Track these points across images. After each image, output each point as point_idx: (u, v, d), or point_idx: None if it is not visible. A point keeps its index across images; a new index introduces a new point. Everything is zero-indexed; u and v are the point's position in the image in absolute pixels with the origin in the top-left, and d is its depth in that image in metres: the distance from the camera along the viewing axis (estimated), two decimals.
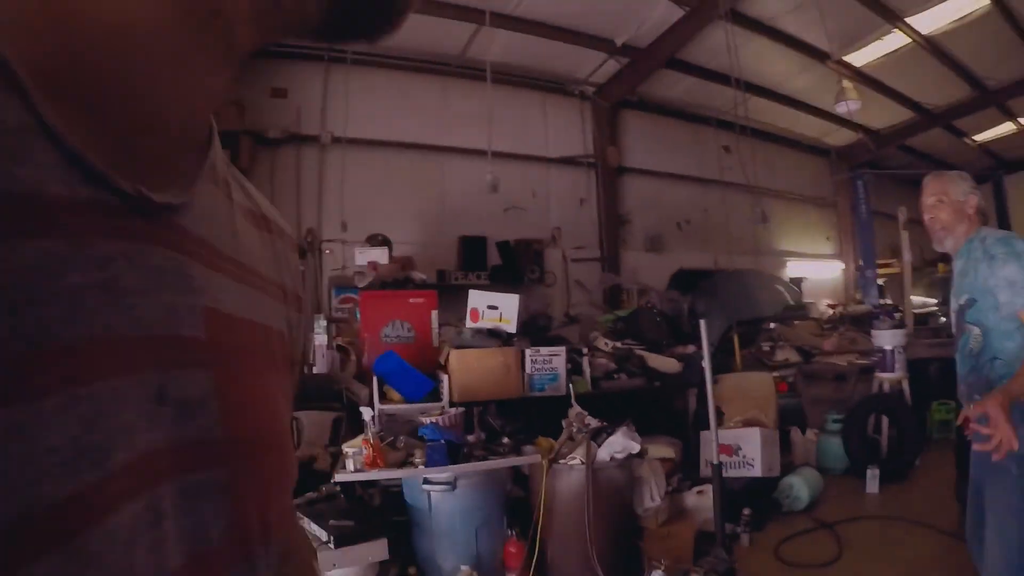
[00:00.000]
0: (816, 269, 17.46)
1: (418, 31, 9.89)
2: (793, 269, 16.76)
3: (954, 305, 3.77)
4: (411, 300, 7.15)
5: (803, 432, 8.80)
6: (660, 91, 13.67)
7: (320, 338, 7.13)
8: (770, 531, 6.41)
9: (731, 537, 5.98)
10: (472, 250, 11.48)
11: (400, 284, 7.42)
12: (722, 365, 9.93)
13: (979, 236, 3.61)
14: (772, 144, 16.40)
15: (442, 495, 4.85)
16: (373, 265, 7.71)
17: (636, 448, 5.22)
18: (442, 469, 4.73)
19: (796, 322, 11.93)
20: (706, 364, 5.24)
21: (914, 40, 12.23)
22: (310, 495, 4.88)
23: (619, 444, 5.15)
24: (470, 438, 5.21)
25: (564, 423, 5.62)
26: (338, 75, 10.85)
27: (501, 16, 10.37)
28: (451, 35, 10.62)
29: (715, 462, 5.15)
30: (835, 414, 8.51)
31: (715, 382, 7.96)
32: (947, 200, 3.68)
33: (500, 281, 11.18)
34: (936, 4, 11.11)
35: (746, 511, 6.16)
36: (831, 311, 14.02)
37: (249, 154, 10.21)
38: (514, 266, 11.67)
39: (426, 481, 4.83)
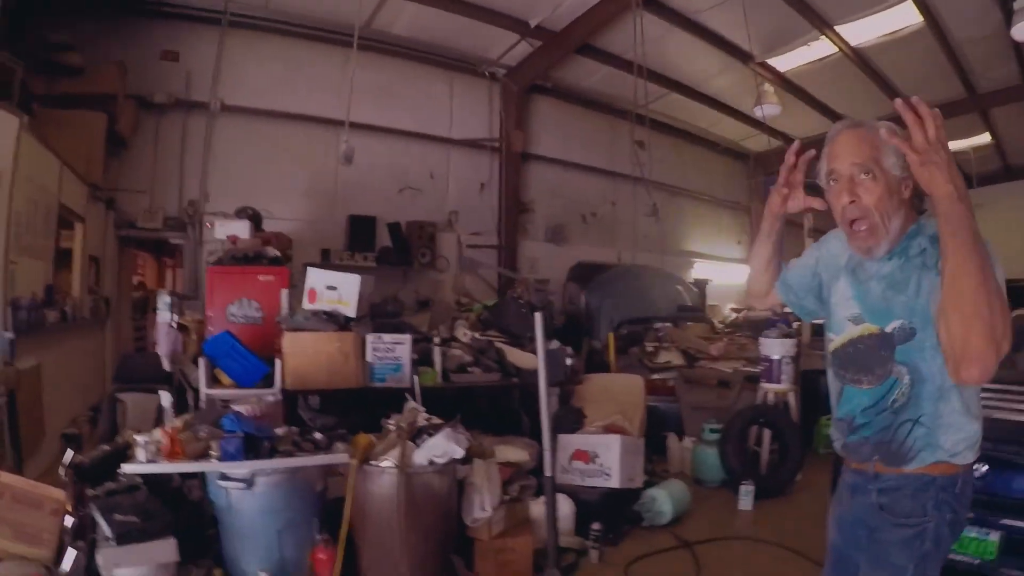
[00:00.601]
0: (725, 272, 17.35)
1: None
2: (700, 270, 16.67)
3: (853, 328, 2.51)
4: (261, 278, 6.75)
5: (680, 439, 8.52)
6: (575, 79, 13.42)
7: (163, 315, 6.69)
8: (625, 547, 6.00)
9: (580, 553, 5.65)
10: (361, 230, 11.13)
11: (253, 260, 6.93)
12: (601, 364, 9.71)
13: (921, 232, 2.39)
14: (689, 143, 16.29)
15: (241, 493, 4.38)
16: (233, 239, 7.24)
17: (459, 452, 4.74)
18: (238, 464, 4.29)
19: (689, 324, 11.72)
20: (540, 361, 4.75)
21: (842, 50, 12.17)
22: (109, 485, 4.41)
23: (439, 447, 4.69)
24: (279, 431, 4.74)
25: (383, 421, 5.19)
26: (235, 40, 10.39)
27: None
28: (354, 4, 10.01)
29: (548, 473, 4.71)
30: (714, 423, 8.09)
31: (580, 382, 7.70)
32: (879, 173, 2.31)
33: (388, 263, 11.00)
34: (867, 15, 11.04)
35: (596, 525, 5.72)
36: (735, 315, 13.94)
37: (132, 119, 9.69)
38: (404, 249, 11.31)
39: (223, 477, 4.37)
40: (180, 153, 10.16)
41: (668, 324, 11.20)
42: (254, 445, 4.39)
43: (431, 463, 4.68)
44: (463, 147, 12.74)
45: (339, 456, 4.60)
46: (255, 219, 8.14)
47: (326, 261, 10.37)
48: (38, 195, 6.98)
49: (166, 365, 6.28)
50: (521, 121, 13.14)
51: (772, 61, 12.82)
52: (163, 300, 6.81)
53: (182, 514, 4.58)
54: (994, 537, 4.33)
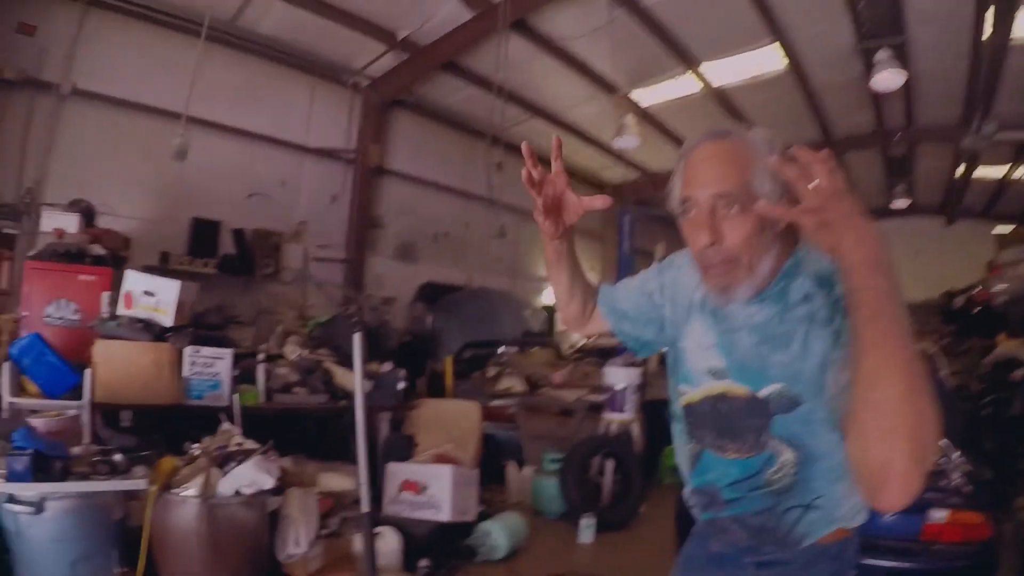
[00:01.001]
0: None
1: None
2: (550, 296, 16.79)
3: (714, 383, 2.02)
4: (81, 277, 6.41)
5: (520, 469, 8.40)
6: (438, 96, 13.32)
7: None
8: None
9: None
10: (204, 234, 10.67)
11: (76, 258, 6.56)
12: (437, 389, 9.61)
13: (800, 269, 1.88)
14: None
15: (30, 519, 4.04)
16: (59, 232, 6.85)
17: (269, 483, 4.51)
18: (25, 486, 3.97)
19: (535, 349, 11.73)
20: (356, 384, 4.41)
21: (705, 90, 12.42)
22: None
23: (247, 476, 4.44)
24: (77, 450, 4.44)
25: (186, 445, 4.93)
26: (96, 21, 9.81)
27: None
28: None
29: (364, 509, 4.33)
30: (554, 453, 7.92)
31: (413, 407, 7.56)
32: (748, 204, 1.76)
33: (230, 271, 10.60)
34: (733, 55, 11.27)
35: (424, 561, 5.53)
36: (584, 341, 14.07)
37: None
38: (248, 257, 10.94)
39: (10, 499, 4.04)
40: (23, 135, 9.44)
41: (513, 349, 11.14)
42: (44, 465, 4.05)
43: (238, 493, 4.43)
44: (318, 156, 12.42)
45: (137, 482, 4.31)
46: (87, 213, 7.72)
47: (164, 264, 9.88)
48: None
49: None
50: (379, 134, 12.97)
51: (636, 94, 12.96)
52: None
53: None
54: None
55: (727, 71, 11.88)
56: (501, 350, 10.90)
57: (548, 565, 6.27)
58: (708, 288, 1.92)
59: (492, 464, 8.50)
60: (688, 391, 2.09)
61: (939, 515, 4.47)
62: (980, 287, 13.62)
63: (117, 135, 9.98)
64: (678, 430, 2.18)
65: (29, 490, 4.02)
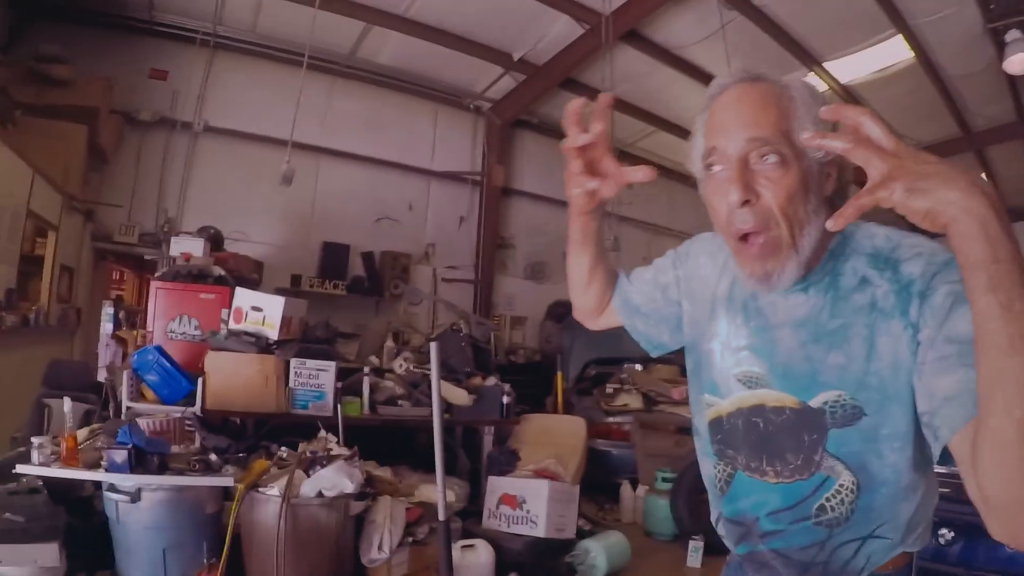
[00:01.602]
0: None
1: (307, 25, 9.37)
2: None
3: (745, 393, 1.66)
4: (202, 296, 6.81)
5: (634, 488, 8.20)
6: (560, 114, 13.23)
7: (106, 327, 6.78)
8: None
9: None
10: (334, 258, 11.16)
11: (198, 278, 7.00)
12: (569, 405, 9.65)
13: (852, 247, 1.55)
14: (679, 183, 16.33)
15: (128, 507, 4.37)
16: (186, 256, 7.32)
17: (349, 487, 4.67)
18: (124, 477, 4.28)
19: (657, 366, 11.64)
20: (434, 393, 4.48)
21: (832, 88, 11.97)
22: (12, 485, 4.47)
23: (328, 480, 4.63)
24: (176, 449, 4.75)
25: (274, 447, 5.20)
26: (223, 62, 10.59)
27: (393, 16, 10.10)
28: (341, 32, 10.32)
29: (441, 518, 4.42)
30: (667, 471, 7.56)
31: (518, 421, 7.60)
32: (790, 156, 1.43)
33: (359, 293, 11.01)
34: (856, 51, 10.92)
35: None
36: None
37: (115, 134, 9.82)
38: (377, 279, 11.36)
39: (111, 488, 4.38)
40: (161, 171, 10.26)
41: (636, 365, 11.03)
42: (142, 459, 4.35)
43: (320, 495, 4.61)
44: (444, 179, 12.75)
45: (225, 479, 4.54)
46: (215, 239, 8.24)
47: (296, 287, 10.45)
48: (4, 200, 7.14)
49: (100, 375, 6.32)
50: (504, 155, 13.17)
51: None
52: (106, 311, 6.91)
53: (88, 524, 4.65)
54: None
55: (852, 67, 11.49)
56: (625, 366, 10.81)
57: None
58: (744, 276, 1.55)
59: (607, 482, 8.48)
60: (715, 402, 1.74)
61: None
62: None
63: (249, 167, 10.57)
64: (702, 448, 1.83)
65: (127, 481, 4.32)
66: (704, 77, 11.47)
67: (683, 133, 13.39)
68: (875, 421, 1.46)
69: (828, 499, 1.55)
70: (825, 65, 11.37)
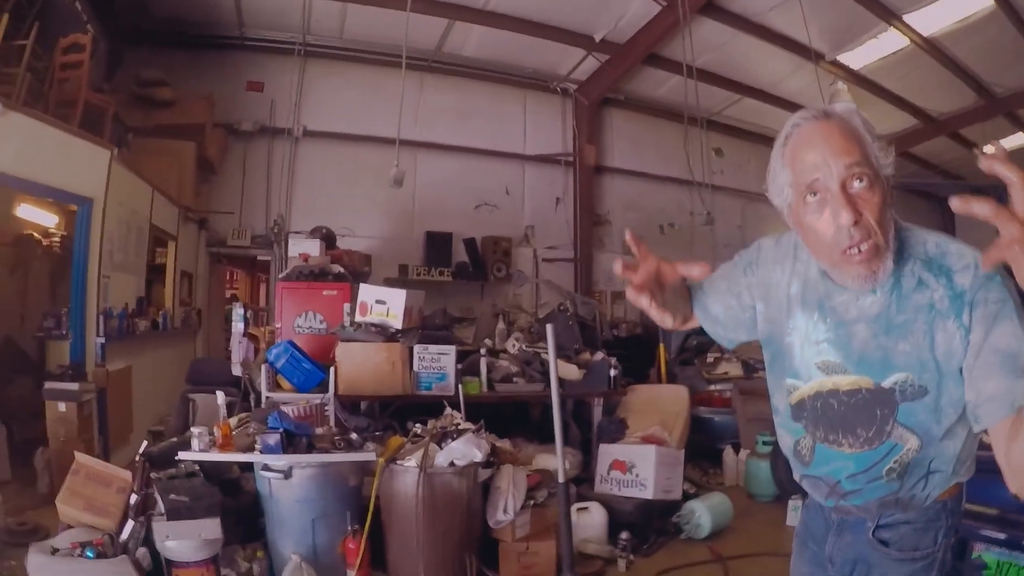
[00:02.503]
0: None
1: (392, 25, 9.82)
2: None
3: (824, 378, 1.97)
4: (325, 292, 7.28)
5: (736, 452, 8.41)
6: (645, 89, 13.52)
7: (236, 326, 7.24)
8: (658, 559, 5.95)
9: (608, 561, 5.74)
10: (437, 246, 11.58)
11: (319, 277, 7.47)
12: (671, 376, 9.83)
13: (910, 251, 1.83)
14: (769, 148, 16.22)
15: (280, 483, 4.81)
16: (304, 256, 7.78)
17: (478, 456, 5.03)
18: (276, 457, 4.74)
19: None
20: (552, 371, 4.86)
21: (914, 42, 11.69)
22: (171, 471, 4.95)
23: (459, 451, 5.00)
24: (319, 431, 5.19)
25: (409, 425, 5.58)
26: (314, 69, 11.10)
27: (473, 11, 10.41)
28: (425, 29, 10.57)
29: (560, 480, 4.79)
30: (768, 435, 7.64)
31: (626, 392, 7.88)
32: (874, 178, 1.72)
33: (464, 278, 11.37)
34: (933, 2, 10.60)
35: (624, 535, 5.79)
36: None
37: (221, 146, 10.46)
38: (479, 263, 11.73)
39: (265, 468, 4.83)
40: (266, 176, 10.86)
41: None
42: (292, 441, 4.82)
43: (452, 465, 4.98)
44: (537, 162, 13.02)
45: (367, 455, 4.98)
46: (328, 238, 8.67)
47: (403, 276, 10.91)
48: (130, 217, 7.75)
49: (236, 370, 6.79)
50: (594, 134, 13.33)
51: (843, 58, 12.46)
52: (237, 312, 7.35)
53: (238, 502, 5.15)
54: None
55: (932, 19, 11.14)
56: None
57: (750, 545, 6.28)
58: (852, 281, 1.80)
59: (710, 448, 8.72)
60: (797, 386, 2.04)
61: None
62: None
63: (349, 165, 11.14)
64: (785, 424, 2.14)
65: (280, 460, 4.79)
66: (784, 41, 11.52)
67: (768, 98, 13.43)
68: (936, 395, 1.79)
69: (896, 460, 1.89)
70: (905, 18, 11.10)
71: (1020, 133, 16.77)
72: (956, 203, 1.31)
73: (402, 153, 10.04)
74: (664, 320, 1.92)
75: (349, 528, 4.85)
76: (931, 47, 11.93)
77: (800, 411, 2.04)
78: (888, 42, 11.83)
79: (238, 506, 5.12)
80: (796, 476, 2.17)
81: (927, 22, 11.19)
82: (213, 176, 10.62)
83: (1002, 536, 4.12)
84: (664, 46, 11.62)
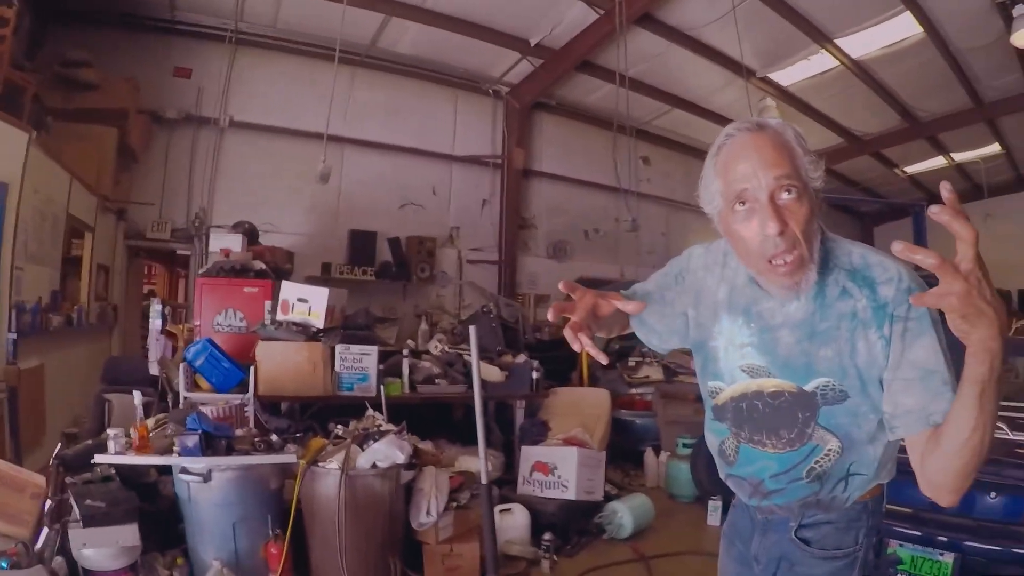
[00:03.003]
0: None
1: (328, 17, 9.77)
2: None
3: (749, 381, 2.04)
4: (246, 289, 7.14)
5: (657, 454, 8.62)
6: (577, 96, 13.63)
7: (154, 323, 7.08)
8: (581, 559, 6.10)
9: (531, 562, 5.84)
10: (361, 244, 11.47)
11: (240, 273, 7.34)
12: (593, 379, 9.94)
13: (834, 261, 1.90)
14: (696, 159, 16.45)
15: (200, 487, 4.71)
16: (225, 252, 7.63)
17: (400, 458, 5.01)
18: (195, 459, 4.64)
19: None
20: (474, 373, 4.87)
21: (843, 64, 12.14)
22: (87, 475, 4.82)
23: (381, 452, 4.97)
24: (239, 432, 5.09)
25: (331, 426, 5.53)
26: (245, 58, 10.83)
27: (411, 7, 10.31)
28: (361, 23, 10.46)
29: (483, 481, 4.86)
30: (687, 438, 8.05)
31: (548, 395, 7.95)
32: (802, 189, 1.78)
33: (388, 278, 11.29)
34: (866, 28, 11.02)
35: (547, 536, 5.89)
36: None
37: (143, 134, 10.08)
38: (404, 263, 11.64)
39: (183, 471, 4.72)
40: (189, 167, 10.55)
41: None
42: (211, 443, 4.71)
43: (374, 467, 4.95)
44: (465, 163, 13.00)
45: (288, 456, 4.90)
46: (250, 233, 8.51)
47: (326, 274, 10.79)
48: (45, 206, 7.43)
49: (153, 369, 6.64)
50: (524, 138, 13.40)
51: (773, 76, 12.80)
52: (154, 308, 7.16)
53: (156, 506, 5.00)
54: (948, 559, 4.25)
55: (862, 43, 11.57)
56: None
57: (671, 544, 6.50)
58: (776, 286, 1.87)
59: (631, 450, 8.88)
60: (721, 388, 2.11)
61: None
62: None
63: (275, 159, 10.88)
64: (710, 425, 2.21)
65: (198, 463, 4.68)
66: (717, 56, 11.75)
67: (698, 111, 13.70)
68: (856, 401, 1.87)
69: (817, 462, 1.97)
70: (836, 41, 11.48)
71: (940, 157, 17.48)
72: (898, 247, 1.38)
73: (330, 149, 9.94)
74: (599, 357, 1.85)
75: (271, 532, 4.80)
76: (860, 70, 12.38)
77: (723, 412, 2.11)
78: (818, 63, 12.18)
79: (157, 511, 4.99)
80: (721, 475, 2.23)
81: (857, 46, 11.59)
82: (134, 164, 10.22)
83: (916, 533, 4.38)
84: (599, 54, 11.71)
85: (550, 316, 1.89)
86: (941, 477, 1.68)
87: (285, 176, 10.85)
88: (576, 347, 1.80)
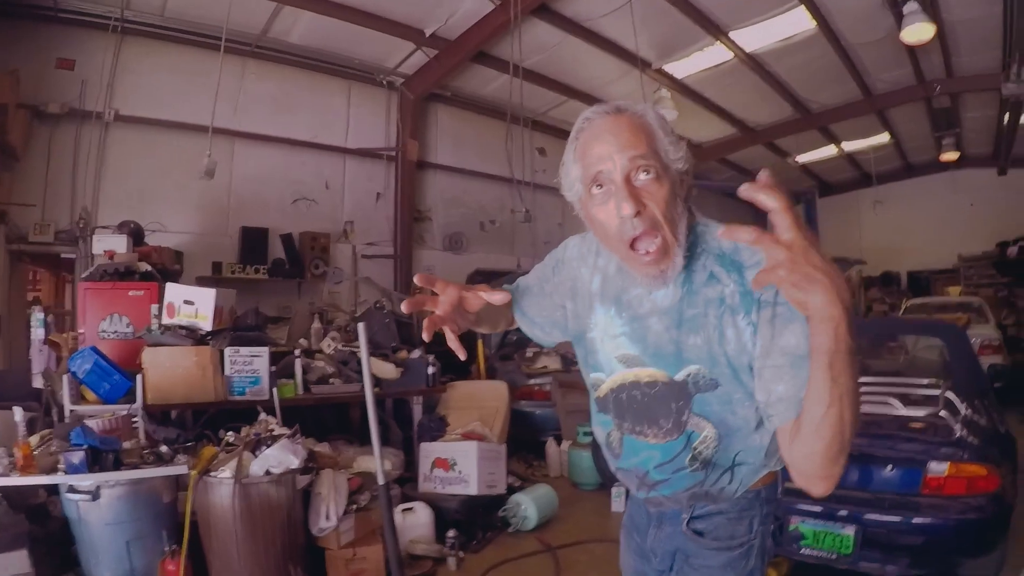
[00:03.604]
0: None
1: (217, 6, 9.43)
2: None
3: (626, 371, 2.02)
4: (131, 293, 6.93)
5: (559, 444, 8.71)
6: (473, 87, 13.62)
7: (36, 332, 6.84)
8: (488, 554, 6.15)
9: (437, 560, 5.83)
10: (253, 242, 11.23)
11: (125, 276, 7.11)
12: (491, 371, 9.96)
13: (703, 246, 1.89)
14: None
15: (89, 505, 4.56)
16: (110, 253, 7.39)
17: (295, 463, 4.94)
18: (82, 476, 4.47)
19: None
20: (365, 370, 4.85)
21: (737, 56, 12.46)
22: None
23: (275, 458, 4.89)
24: (127, 444, 4.92)
25: (221, 433, 5.42)
26: (131, 48, 10.37)
27: None
28: (252, 11, 10.22)
29: (381, 482, 4.76)
30: (587, 426, 7.83)
31: (445, 389, 7.94)
32: (661, 170, 1.77)
33: (281, 276, 11.10)
34: (760, 21, 11.32)
35: (452, 532, 5.93)
36: None
37: (24, 130, 9.60)
38: (297, 260, 11.48)
39: (71, 489, 4.56)
40: (73, 165, 10.06)
41: None
42: (98, 458, 4.55)
43: (268, 473, 4.85)
44: (359, 156, 12.84)
45: (179, 468, 4.78)
46: (136, 234, 8.22)
47: (217, 274, 10.52)
48: None
49: (37, 382, 6.42)
50: (418, 130, 13.33)
51: (668, 67, 13.03)
52: (36, 317, 6.94)
53: (46, 529, 4.85)
54: (850, 531, 4.46)
55: (757, 37, 11.91)
56: None
57: (578, 533, 6.59)
58: (643, 279, 1.86)
59: (533, 440, 8.96)
60: (602, 379, 2.10)
61: (939, 468, 4.44)
62: None
63: (163, 155, 10.48)
64: (595, 418, 2.21)
65: (86, 480, 4.52)
66: (613, 47, 11.89)
67: (593, 101, 13.50)
68: (728, 388, 1.85)
69: (696, 449, 1.95)
70: (731, 35, 11.78)
71: (831, 146, 18.18)
72: (720, 230, 1.46)
73: (219, 143, 9.79)
74: (459, 352, 1.91)
75: (166, 548, 4.67)
76: (754, 62, 12.78)
77: (606, 404, 2.10)
78: (713, 55, 12.49)
79: (47, 534, 4.85)
80: (611, 469, 2.22)
81: (751, 39, 11.95)
82: (15, 163, 9.69)
83: (817, 509, 4.57)
84: (494, 45, 11.73)
85: (404, 309, 1.88)
86: (807, 464, 1.62)
87: (173, 173, 10.48)
88: (426, 338, 1.81)
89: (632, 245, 1.77)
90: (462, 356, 1.91)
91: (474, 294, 1.90)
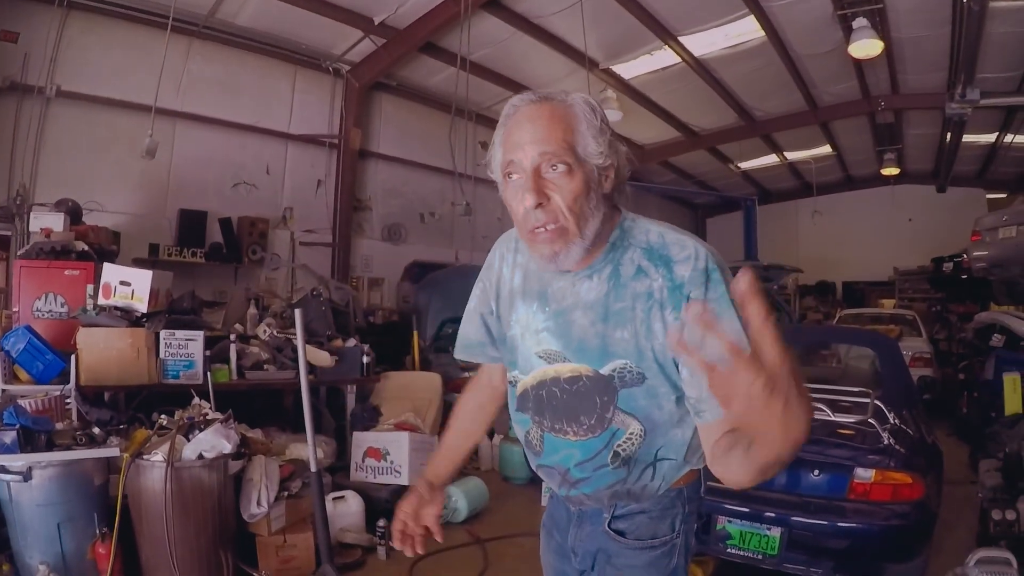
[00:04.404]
0: None
1: None
2: None
3: (547, 367, 2.00)
4: (66, 273, 6.86)
5: (491, 438, 8.77)
6: (419, 78, 13.65)
7: None
8: None
9: (367, 550, 5.89)
10: (191, 225, 11.17)
11: (61, 255, 7.05)
12: (426, 362, 10.05)
13: (630, 239, 1.90)
14: None
15: (20, 486, 4.53)
16: (46, 231, 7.32)
17: (227, 447, 4.97)
18: (14, 457, 4.45)
19: None
20: (300, 357, 4.99)
21: (685, 61, 12.66)
22: None
23: (207, 442, 4.91)
24: (60, 425, 4.96)
25: (155, 416, 5.42)
26: (77, 23, 10.16)
27: None
28: None
29: (313, 469, 4.92)
30: None
31: (379, 379, 7.99)
32: (575, 165, 1.76)
33: (218, 260, 11.06)
34: (709, 28, 11.54)
35: (382, 522, 5.95)
36: None
37: None
38: (235, 245, 11.45)
39: (2, 470, 4.51)
40: (11, 140, 9.88)
41: None
42: (31, 439, 4.54)
43: (200, 457, 4.87)
44: (301, 143, 12.83)
45: (111, 450, 4.79)
46: (73, 212, 8.12)
47: (154, 256, 10.43)
48: None
49: None
50: (362, 118, 13.35)
51: (616, 68, 13.21)
52: None
53: None
54: (776, 533, 4.55)
55: (706, 42, 12.12)
56: None
57: (507, 526, 6.69)
58: (537, 259, 1.88)
59: None
60: (520, 377, 2.09)
61: (866, 474, 4.54)
62: (965, 254, 13.65)
63: (103, 133, 10.36)
64: (516, 417, 2.18)
65: (17, 460, 4.49)
66: (561, 45, 12.03)
67: None
68: (654, 383, 1.84)
69: (619, 446, 1.93)
70: (680, 39, 11.96)
71: (773, 155, 18.49)
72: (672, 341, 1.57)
73: (161, 123, 9.72)
74: (438, 536, 2.33)
75: (97, 531, 4.69)
76: (701, 68, 13.02)
77: (525, 401, 2.09)
78: (661, 58, 12.71)
79: None
80: (533, 466, 2.22)
81: (700, 45, 12.19)
82: None
83: (745, 510, 4.68)
84: (443, 36, 11.80)
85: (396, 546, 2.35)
86: (738, 476, 1.59)
87: (113, 151, 10.38)
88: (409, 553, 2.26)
89: (533, 230, 1.80)
90: (439, 539, 2.33)
91: (433, 505, 2.47)
